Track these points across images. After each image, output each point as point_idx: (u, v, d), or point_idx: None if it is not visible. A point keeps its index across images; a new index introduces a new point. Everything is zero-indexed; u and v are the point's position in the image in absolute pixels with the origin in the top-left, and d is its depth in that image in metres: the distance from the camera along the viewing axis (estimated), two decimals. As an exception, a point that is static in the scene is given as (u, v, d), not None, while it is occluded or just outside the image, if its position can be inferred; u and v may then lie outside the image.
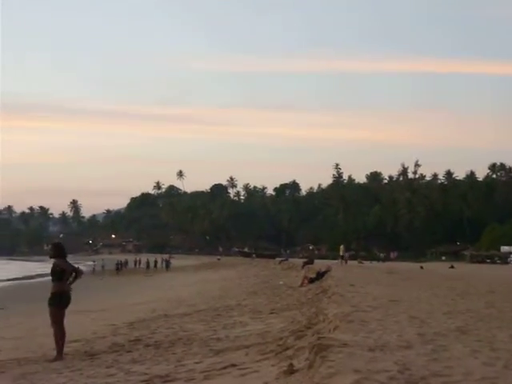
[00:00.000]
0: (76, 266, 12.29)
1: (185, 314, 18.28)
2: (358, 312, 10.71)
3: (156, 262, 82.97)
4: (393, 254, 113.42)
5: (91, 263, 76.35)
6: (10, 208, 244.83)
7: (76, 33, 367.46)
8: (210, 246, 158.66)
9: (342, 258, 53.90)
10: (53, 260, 12.02)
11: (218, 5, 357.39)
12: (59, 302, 11.69)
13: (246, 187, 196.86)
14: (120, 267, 75.78)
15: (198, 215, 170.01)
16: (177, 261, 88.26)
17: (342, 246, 56.75)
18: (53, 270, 11.86)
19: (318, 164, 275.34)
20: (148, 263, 79.54)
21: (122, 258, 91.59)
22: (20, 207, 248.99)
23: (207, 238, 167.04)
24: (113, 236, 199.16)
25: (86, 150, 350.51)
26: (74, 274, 11.91)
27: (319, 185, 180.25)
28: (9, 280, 66.14)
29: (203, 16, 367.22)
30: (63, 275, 11.70)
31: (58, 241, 13.14)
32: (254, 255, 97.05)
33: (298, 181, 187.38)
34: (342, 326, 8.85)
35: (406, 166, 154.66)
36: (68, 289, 11.79)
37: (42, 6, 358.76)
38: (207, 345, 11.24)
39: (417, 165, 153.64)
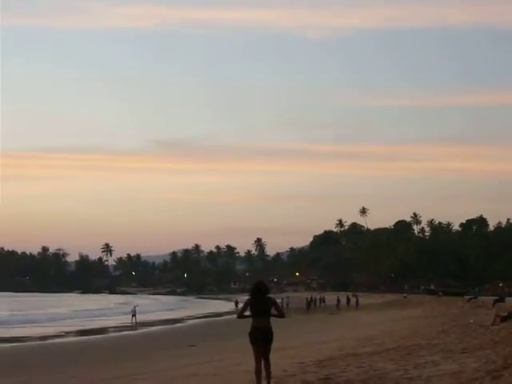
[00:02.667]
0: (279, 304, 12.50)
1: (373, 353, 18.05)
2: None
3: (349, 299, 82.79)
4: None
5: (279, 301, 77.56)
6: (198, 247, 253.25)
7: (255, 77, 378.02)
8: (394, 284, 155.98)
9: None
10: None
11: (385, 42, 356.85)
12: (257, 337, 11.94)
13: (431, 223, 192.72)
14: (310, 305, 76.43)
15: (382, 252, 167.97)
16: (361, 298, 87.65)
17: None
18: (252, 307, 12.23)
19: (507, 198, 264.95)
20: (338, 301, 79.87)
21: (307, 295, 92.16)
22: (207, 247, 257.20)
23: (392, 275, 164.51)
24: (297, 274, 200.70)
25: (270, 189, 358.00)
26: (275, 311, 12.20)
27: (508, 219, 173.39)
28: (198, 318, 68.27)
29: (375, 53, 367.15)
30: (260, 311, 12.00)
31: (259, 279, 13.54)
32: (440, 293, 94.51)
33: (485, 216, 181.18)
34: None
35: None
36: (265, 325, 11.96)
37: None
38: (399, 384, 11.07)
39: None
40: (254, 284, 12.44)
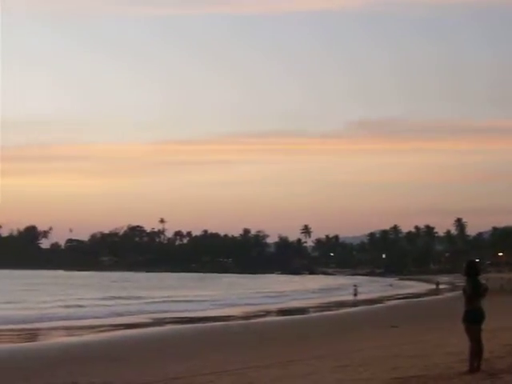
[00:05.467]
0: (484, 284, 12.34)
1: None
2: None
3: None
4: None
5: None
6: (396, 228, 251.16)
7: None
8: None
9: None
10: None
11: None
12: (470, 318, 12.00)
13: None
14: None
15: None
16: None
17: None
18: (464, 287, 12.33)
19: None
20: None
21: (510, 276, 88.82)
22: (406, 227, 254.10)
23: None
24: (500, 254, 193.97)
25: (470, 168, 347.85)
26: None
27: None
28: (398, 299, 67.84)
29: None
30: (474, 293, 11.99)
31: (471, 259, 13.41)
32: None
33: None
34: None
35: None
36: (480, 306, 12.04)
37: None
38: None
39: None
40: (469, 264, 12.38)
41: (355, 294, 62.83)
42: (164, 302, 58.54)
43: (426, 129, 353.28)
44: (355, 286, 65.74)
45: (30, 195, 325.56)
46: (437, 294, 76.89)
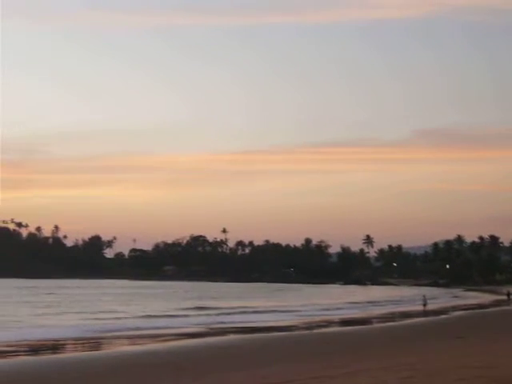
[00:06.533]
0: None
1: None
2: None
3: None
4: None
5: None
6: (460, 238, 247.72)
7: None
8: None
9: None
10: None
11: None
12: None
13: None
14: None
15: None
16: None
17: None
18: None
19: None
20: None
21: None
22: (470, 237, 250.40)
23: None
24: None
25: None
26: None
27: None
28: (463, 309, 67.20)
29: None
30: None
31: None
32: None
33: None
34: None
35: None
36: None
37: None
38: None
39: None
40: None
41: (425, 305, 62.46)
42: (239, 312, 58.93)
43: (491, 137, 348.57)
44: (424, 296, 65.30)
45: (94, 206, 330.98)
46: (508, 305, 75.77)
